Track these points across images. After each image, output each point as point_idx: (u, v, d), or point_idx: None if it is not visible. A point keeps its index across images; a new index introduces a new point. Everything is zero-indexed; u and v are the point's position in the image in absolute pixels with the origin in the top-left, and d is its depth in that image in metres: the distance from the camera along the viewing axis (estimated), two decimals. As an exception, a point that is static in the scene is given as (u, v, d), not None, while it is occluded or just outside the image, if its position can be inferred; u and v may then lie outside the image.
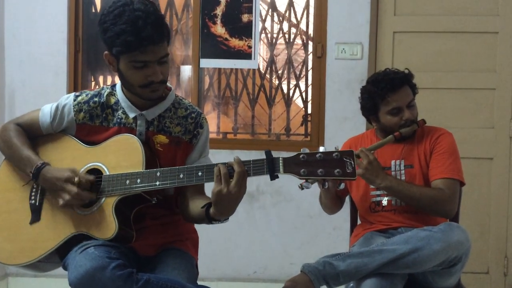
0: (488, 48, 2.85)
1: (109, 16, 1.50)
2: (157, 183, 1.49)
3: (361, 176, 1.86)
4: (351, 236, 2.11)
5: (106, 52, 1.57)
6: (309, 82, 3.01)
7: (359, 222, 2.14)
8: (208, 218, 1.47)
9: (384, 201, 1.97)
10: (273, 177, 1.38)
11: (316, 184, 1.79)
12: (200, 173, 1.45)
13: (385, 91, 1.94)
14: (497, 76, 2.86)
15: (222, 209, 1.41)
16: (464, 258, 1.78)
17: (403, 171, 1.97)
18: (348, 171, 1.33)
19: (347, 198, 2.14)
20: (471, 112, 2.87)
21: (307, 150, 1.37)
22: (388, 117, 1.97)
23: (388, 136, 1.96)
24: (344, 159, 1.33)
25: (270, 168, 1.37)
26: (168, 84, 1.67)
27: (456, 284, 1.89)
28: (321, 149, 1.36)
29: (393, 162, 1.99)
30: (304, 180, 1.39)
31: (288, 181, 2.71)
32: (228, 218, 1.46)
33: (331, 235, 2.88)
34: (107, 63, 1.59)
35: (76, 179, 1.51)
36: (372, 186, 1.97)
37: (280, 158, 1.37)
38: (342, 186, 1.44)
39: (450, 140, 1.99)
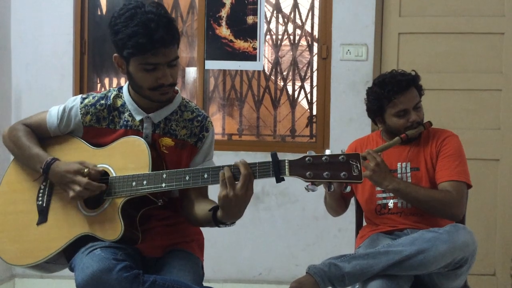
0: (494, 49, 2.84)
1: (120, 19, 1.50)
2: (163, 184, 1.49)
3: (368, 178, 1.86)
4: (357, 238, 2.10)
5: (115, 54, 1.57)
6: (314, 83, 3.01)
7: (364, 223, 2.13)
8: (215, 222, 1.47)
9: (390, 204, 1.96)
10: (279, 179, 1.38)
11: (321, 186, 1.80)
12: (206, 175, 1.45)
13: (392, 93, 1.94)
14: (503, 77, 2.85)
15: (229, 212, 1.41)
16: (470, 259, 1.77)
17: (409, 174, 1.97)
18: (354, 174, 1.32)
19: (353, 200, 2.13)
20: (477, 113, 2.85)
21: (313, 153, 1.36)
22: (394, 119, 1.97)
23: (395, 138, 1.96)
24: (350, 162, 1.33)
25: (276, 170, 1.37)
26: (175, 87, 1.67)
27: (463, 286, 1.88)
28: (327, 152, 1.36)
29: (399, 164, 1.99)
30: (310, 183, 1.39)
31: (293, 183, 2.72)
32: (235, 222, 1.46)
33: (336, 237, 2.87)
34: (116, 65, 1.59)
35: (85, 170, 1.52)
36: (378, 189, 1.96)
37: (286, 161, 1.37)
38: (348, 189, 1.44)
39: (456, 142, 1.98)
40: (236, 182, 1.37)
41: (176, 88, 1.68)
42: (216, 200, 1.44)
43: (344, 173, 1.32)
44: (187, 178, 1.47)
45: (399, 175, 1.97)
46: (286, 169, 1.37)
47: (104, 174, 1.58)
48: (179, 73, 3.09)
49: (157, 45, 1.47)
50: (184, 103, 1.70)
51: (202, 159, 1.67)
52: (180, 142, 1.64)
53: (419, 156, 1.99)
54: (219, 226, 1.48)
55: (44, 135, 1.69)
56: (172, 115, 1.66)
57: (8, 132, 1.68)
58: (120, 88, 1.69)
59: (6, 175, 1.71)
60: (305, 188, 1.67)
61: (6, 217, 1.65)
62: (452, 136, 2.01)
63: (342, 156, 1.33)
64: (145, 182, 1.50)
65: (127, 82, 1.65)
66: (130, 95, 1.65)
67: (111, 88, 1.71)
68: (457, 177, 1.90)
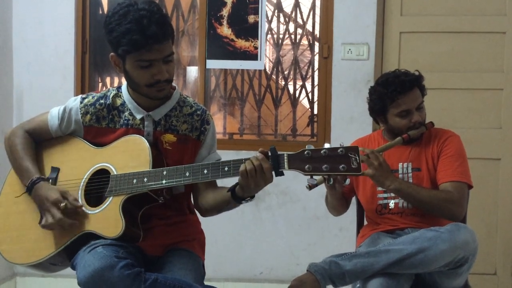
0: (496, 48, 2.83)
1: (114, 17, 1.52)
2: (164, 181, 1.50)
3: (371, 177, 1.86)
4: (358, 237, 2.10)
5: (112, 53, 1.58)
6: (315, 82, 3.01)
7: (365, 222, 2.13)
8: (236, 199, 1.50)
9: (391, 204, 1.96)
10: (278, 173, 1.39)
11: (323, 184, 1.80)
12: (205, 171, 1.46)
13: (395, 93, 1.93)
14: (504, 76, 2.85)
15: (248, 189, 1.46)
16: (471, 258, 1.77)
17: (410, 174, 1.96)
18: (353, 166, 1.33)
19: (353, 199, 2.14)
20: (479, 112, 2.85)
21: (312, 147, 1.37)
22: (397, 119, 1.97)
23: (397, 139, 1.95)
24: (349, 154, 1.33)
25: (275, 164, 1.38)
26: (172, 83, 1.68)
27: (463, 285, 1.88)
28: (326, 145, 1.37)
29: (400, 164, 1.98)
30: (309, 177, 1.40)
31: (294, 182, 2.72)
32: (254, 196, 1.50)
33: (337, 236, 2.87)
34: (113, 64, 1.60)
35: (62, 204, 1.52)
36: (379, 189, 1.96)
37: (285, 154, 1.39)
38: (348, 182, 1.45)
39: (457, 143, 1.98)
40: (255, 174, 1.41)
41: (174, 84, 1.69)
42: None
43: (343, 165, 1.33)
44: (187, 174, 1.48)
45: (400, 176, 1.96)
46: (285, 163, 1.37)
47: (106, 172, 1.59)
48: (180, 72, 3.13)
49: (150, 41, 1.48)
50: (182, 98, 1.71)
51: (207, 152, 1.68)
52: (183, 137, 1.65)
53: (421, 157, 1.98)
54: (240, 203, 1.52)
55: (46, 136, 1.70)
56: (171, 111, 1.67)
57: (8, 136, 1.70)
58: (119, 88, 1.70)
59: (9, 176, 1.72)
60: (306, 187, 1.67)
61: (9, 217, 1.66)
62: (454, 136, 2.01)
63: (341, 149, 1.34)
64: (145, 179, 1.51)
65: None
66: (129, 94, 1.66)
67: (110, 88, 1.72)
68: (458, 177, 1.90)
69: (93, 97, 1.68)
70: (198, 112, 1.68)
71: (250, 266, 2.94)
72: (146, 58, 1.51)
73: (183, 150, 1.64)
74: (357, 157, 1.33)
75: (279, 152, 1.40)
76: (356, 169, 1.32)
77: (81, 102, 1.67)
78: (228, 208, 1.58)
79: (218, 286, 1.58)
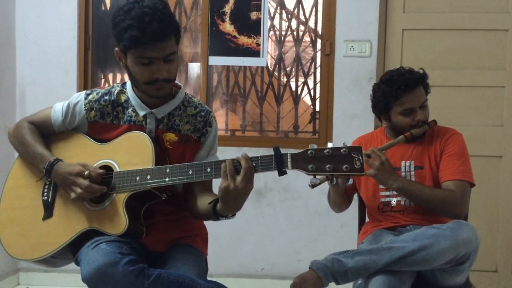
0: (498, 45, 2.83)
1: (119, 12, 1.53)
2: (167, 179, 1.50)
3: (373, 177, 1.86)
4: (360, 234, 2.11)
5: (116, 48, 1.59)
6: (318, 79, 3.01)
7: (367, 219, 2.14)
8: (215, 214, 1.48)
9: (393, 202, 1.97)
10: (281, 173, 1.39)
11: (325, 183, 1.80)
12: (209, 169, 1.46)
13: (400, 91, 1.93)
14: (506, 74, 2.84)
15: (229, 204, 1.42)
16: (472, 256, 1.78)
17: (413, 172, 1.97)
18: (356, 166, 1.33)
19: (355, 196, 2.14)
20: (481, 110, 2.85)
21: (315, 146, 1.37)
22: (400, 117, 1.97)
23: (399, 137, 1.96)
24: (352, 154, 1.33)
25: (278, 163, 1.38)
26: (178, 82, 1.68)
27: (465, 282, 1.89)
28: (329, 145, 1.37)
29: (403, 163, 1.99)
30: (312, 176, 1.40)
31: (296, 178, 2.72)
32: (235, 215, 1.48)
33: (339, 233, 2.88)
34: (117, 59, 1.61)
35: (86, 172, 1.54)
36: (381, 187, 1.96)
37: (288, 154, 1.38)
38: (350, 181, 1.45)
39: (460, 141, 1.99)
40: (237, 175, 1.38)
41: (179, 83, 1.69)
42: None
43: (346, 165, 1.33)
44: (190, 172, 1.48)
45: (403, 174, 1.97)
46: (289, 162, 1.37)
47: (108, 169, 1.60)
48: (182, 69, 3.13)
49: (149, 38, 1.48)
50: (187, 98, 1.71)
51: (206, 153, 1.68)
52: (184, 137, 1.65)
53: (423, 155, 1.99)
54: (218, 219, 1.50)
55: (49, 131, 1.70)
56: (175, 110, 1.67)
57: (13, 129, 1.70)
58: (123, 84, 1.70)
59: (12, 171, 1.72)
60: (309, 185, 1.67)
61: (13, 212, 1.67)
62: (456, 135, 2.01)
63: (344, 149, 1.34)
64: (148, 177, 1.52)
65: (130, 78, 1.67)
66: (133, 91, 1.66)
67: (115, 84, 1.73)
68: (461, 176, 1.91)
69: (97, 93, 1.69)
70: (202, 113, 1.68)
71: (251, 262, 2.95)
72: (146, 55, 1.51)
73: (184, 150, 1.65)
74: (360, 157, 1.33)
75: (282, 152, 1.40)
76: (359, 170, 1.32)
77: (85, 98, 1.68)
78: (211, 219, 1.55)
79: (219, 281, 1.59)
